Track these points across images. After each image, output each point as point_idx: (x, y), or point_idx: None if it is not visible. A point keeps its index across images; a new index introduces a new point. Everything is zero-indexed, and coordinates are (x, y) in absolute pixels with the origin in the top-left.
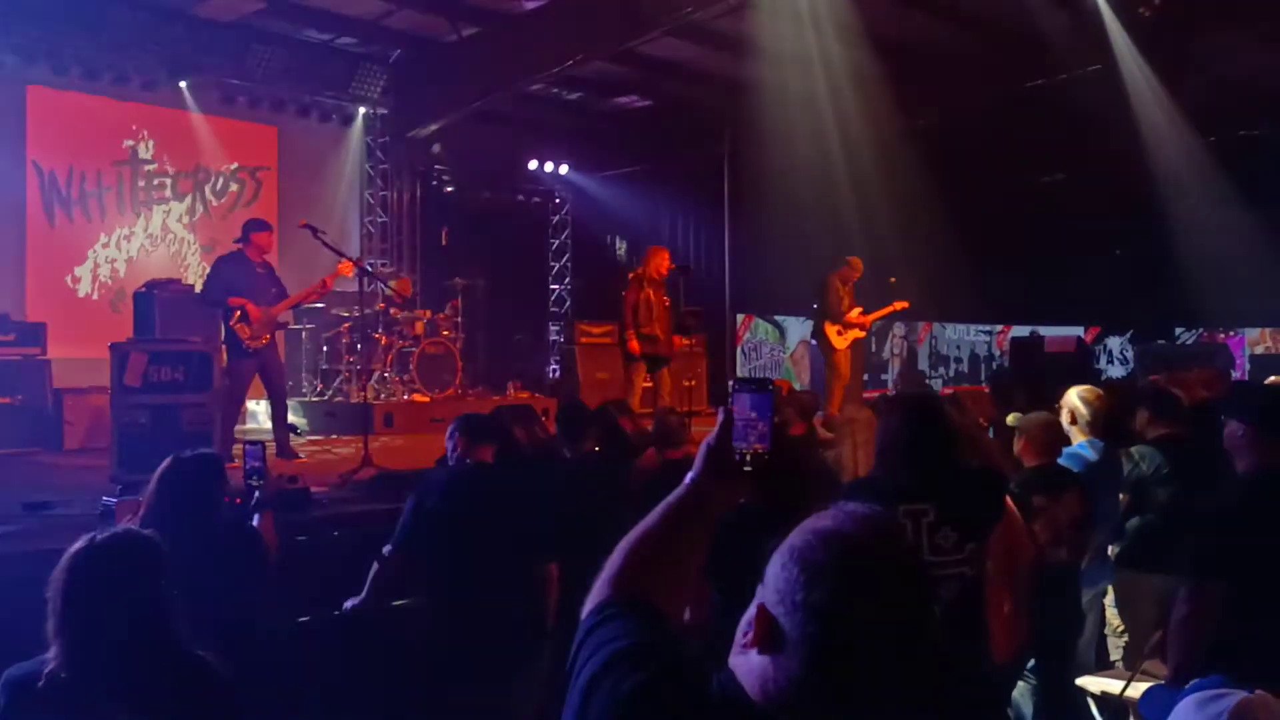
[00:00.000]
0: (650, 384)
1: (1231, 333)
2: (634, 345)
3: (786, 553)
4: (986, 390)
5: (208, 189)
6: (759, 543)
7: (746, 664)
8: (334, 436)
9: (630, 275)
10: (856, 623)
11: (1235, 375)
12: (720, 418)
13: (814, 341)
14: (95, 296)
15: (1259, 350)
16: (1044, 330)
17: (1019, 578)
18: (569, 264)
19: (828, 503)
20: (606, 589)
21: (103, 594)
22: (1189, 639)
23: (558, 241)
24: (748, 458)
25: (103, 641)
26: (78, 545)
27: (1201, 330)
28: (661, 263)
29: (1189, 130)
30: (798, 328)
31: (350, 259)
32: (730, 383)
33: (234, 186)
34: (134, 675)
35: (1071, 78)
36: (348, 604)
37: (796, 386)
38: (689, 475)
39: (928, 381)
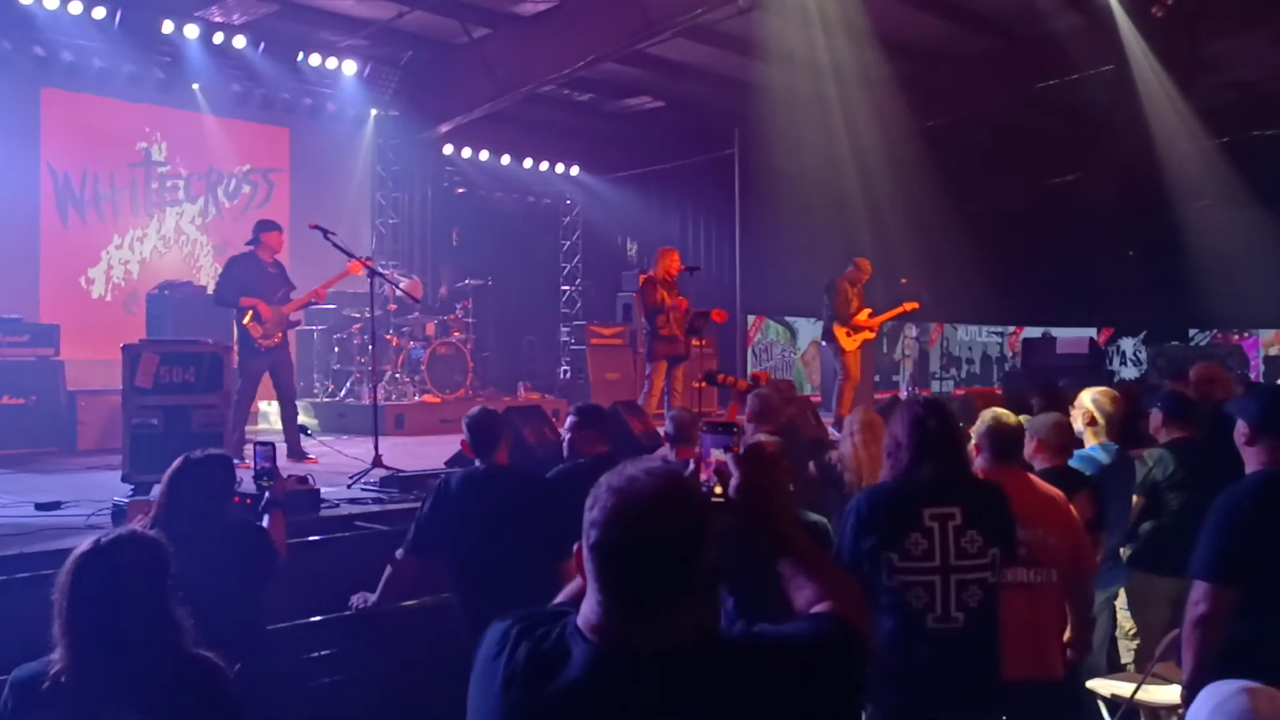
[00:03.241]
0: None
1: (1246, 334)
2: (660, 349)
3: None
4: (998, 392)
5: (220, 191)
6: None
7: (585, 604)
8: (345, 437)
9: (642, 278)
10: (625, 530)
11: (1251, 377)
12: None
13: (824, 343)
14: (108, 298)
15: (1273, 352)
16: (1056, 331)
17: (1084, 589)
18: (579, 265)
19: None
20: None
21: (107, 595)
22: (1206, 639)
23: (568, 243)
24: (715, 491)
25: (108, 642)
26: (83, 547)
27: (1215, 332)
28: (671, 263)
29: (1202, 131)
30: (809, 329)
31: (358, 258)
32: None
33: (246, 188)
34: (139, 676)
35: (1083, 78)
36: (354, 600)
37: (807, 388)
38: None
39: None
